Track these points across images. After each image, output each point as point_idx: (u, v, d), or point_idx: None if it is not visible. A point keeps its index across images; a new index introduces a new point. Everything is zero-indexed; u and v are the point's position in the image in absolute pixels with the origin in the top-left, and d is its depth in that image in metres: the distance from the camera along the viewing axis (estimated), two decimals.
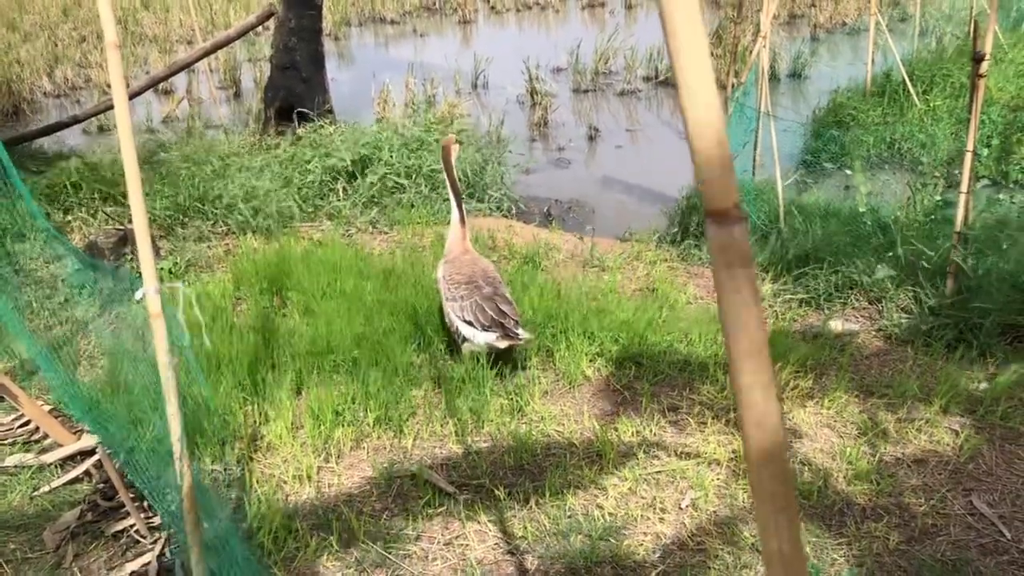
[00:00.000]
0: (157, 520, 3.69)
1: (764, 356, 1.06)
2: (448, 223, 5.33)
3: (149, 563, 3.47)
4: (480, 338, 4.55)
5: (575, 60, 13.76)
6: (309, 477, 3.94)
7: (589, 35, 14.96)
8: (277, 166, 7.83)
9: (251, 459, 4.08)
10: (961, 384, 4.54)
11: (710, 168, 1.02)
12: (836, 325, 5.31)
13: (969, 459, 4.01)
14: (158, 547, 3.54)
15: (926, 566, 3.35)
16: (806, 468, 3.93)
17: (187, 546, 2.80)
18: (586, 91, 13.39)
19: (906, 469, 3.95)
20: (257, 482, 3.91)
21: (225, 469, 3.98)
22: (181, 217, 7.11)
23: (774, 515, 1.11)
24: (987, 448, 4.09)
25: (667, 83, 13.48)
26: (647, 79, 13.74)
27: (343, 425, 4.27)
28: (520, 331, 4.55)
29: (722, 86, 8.97)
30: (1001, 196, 7.19)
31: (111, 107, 9.42)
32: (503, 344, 4.51)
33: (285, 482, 3.92)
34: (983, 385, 4.56)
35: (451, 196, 5.02)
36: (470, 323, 4.57)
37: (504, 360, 4.73)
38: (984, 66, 4.84)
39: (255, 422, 4.32)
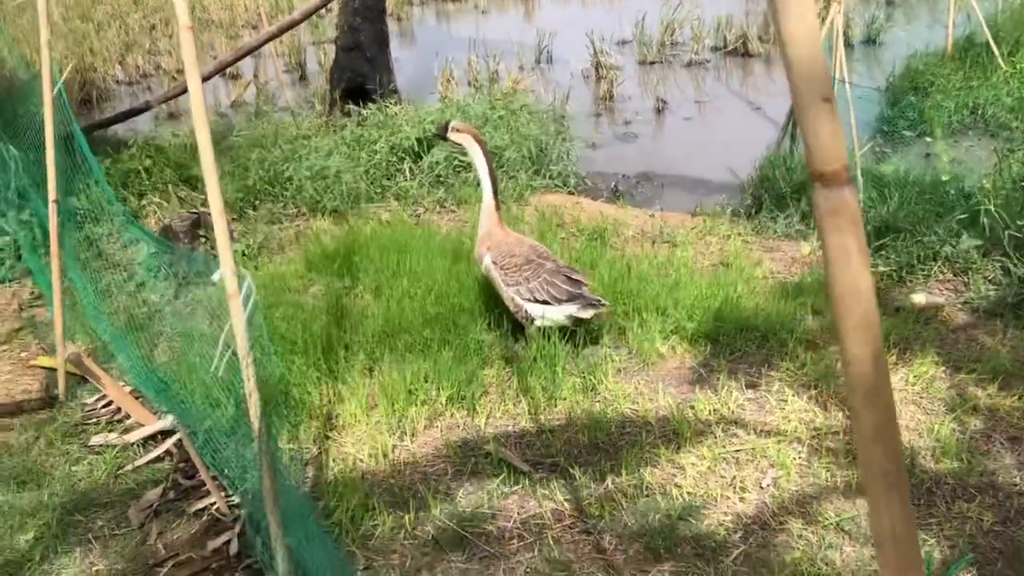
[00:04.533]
0: (237, 499, 3.75)
1: (875, 327, 1.00)
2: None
3: (230, 540, 3.53)
4: (558, 313, 4.49)
5: (640, 32, 13.49)
6: (384, 455, 3.95)
7: (654, 6, 14.66)
8: (344, 147, 7.85)
9: (327, 439, 4.11)
10: None
11: (817, 127, 0.95)
12: (919, 298, 5.12)
13: None
14: (239, 525, 3.59)
15: (1023, 548, 3.20)
16: None
17: (267, 524, 2.83)
18: (652, 63, 13.14)
19: (999, 447, 3.79)
20: (333, 461, 3.94)
21: (301, 449, 4.02)
22: (252, 200, 7.20)
23: (886, 493, 1.05)
24: None
25: (735, 53, 13.15)
26: (715, 49, 13.42)
27: (416, 404, 4.27)
28: (600, 297, 4.50)
29: None
30: None
31: (181, 92, 9.58)
32: (588, 314, 4.47)
33: (360, 460, 3.94)
34: None
35: (484, 177, 4.81)
36: (545, 302, 4.50)
37: (581, 333, 4.67)
38: None
39: (329, 402, 4.35)
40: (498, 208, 4.87)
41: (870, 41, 12.79)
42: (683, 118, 10.46)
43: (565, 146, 8.11)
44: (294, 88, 13.12)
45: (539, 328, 4.58)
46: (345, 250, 5.89)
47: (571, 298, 4.46)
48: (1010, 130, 7.93)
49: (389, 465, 3.91)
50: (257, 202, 7.18)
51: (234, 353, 2.71)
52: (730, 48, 13.27)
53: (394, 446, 4.04)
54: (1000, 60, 9.06)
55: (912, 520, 1.07)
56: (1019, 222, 5.11)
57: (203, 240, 6.45)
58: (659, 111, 10.75)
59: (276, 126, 8.68)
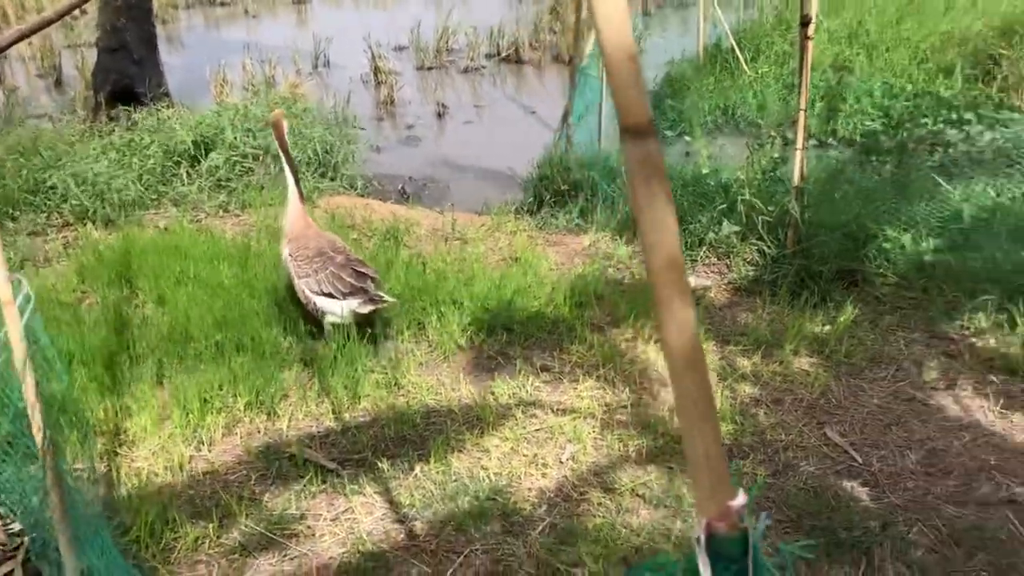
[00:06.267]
0: (17, 526, 3.46)
1: (680, 266, 1.12)
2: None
3: (12, 571, 3.25)
4: (342, 307, 4.48)
5: (416, 38, 13.67)
6: (181, 467, 3.79)
7: (427, 13, 14.90)
8: (114, 152, 7.40)
9: (116, 454, 3.88)
10: (807, 328, 4.86)
11: (625, 84, 1.06)
12: (690, 281, 5.56)
13: (820, 395, 4.30)
14: (21, 553, 3.32)
15: (792, 495, 3.58)
16: (674, 417, 4.11)
17: (55, 548, 2.65)
18: (430, 68, 13.34)
19: (765, 409, 4.20)
20: (125, 477, 3.73)
21: (92, 467, 3.77)
22: (11, 211, 6.63)
23: (699, 421, 1.16)
24: (835, 384, 4.40)
25: (509, 60, 13.61)
26: (490, 56, 13.83)
27: (212, 412, 4.12)
28: (383, 293, 4.52)
29: (565, 60, 9.13)
30: (830, 152, 7.70)
31: None
32: (367, 309, 4.46)
33: (156, 474, 3.75)
34: (827, 327, 4.90)
35: (288, 173, 4.82)
36: (329, 295, 4.48)
37: (369, 328, 4.69)
38: (811, 29, 5.15)
39: (116, 416, 4.10)
40: (303, 200, 4.85)
41: None
42: (463, 122, 10.70)
43: (350, 148, 8.07)
44: (49, 93, 12.17)
45: (333, 324, 4.55)
46: (122, 259, 5.56)
47: (353, 292, 4.45)
48: (757, 127, 8.75)
49: (187, 476, 3.76)
50: (17, 213, 6.62)
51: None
52: (504, 55, 13.72)
53: (191, 456, 3.88)
54: (744, 65, 9.97)
55: (721, 444, 1.20)
56: (769, 208, 5.66)
57: None
58: (440, 115, 10.94)
59: (33, 133, 8.03)
